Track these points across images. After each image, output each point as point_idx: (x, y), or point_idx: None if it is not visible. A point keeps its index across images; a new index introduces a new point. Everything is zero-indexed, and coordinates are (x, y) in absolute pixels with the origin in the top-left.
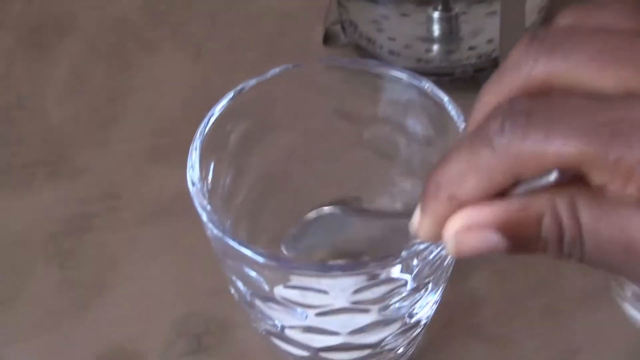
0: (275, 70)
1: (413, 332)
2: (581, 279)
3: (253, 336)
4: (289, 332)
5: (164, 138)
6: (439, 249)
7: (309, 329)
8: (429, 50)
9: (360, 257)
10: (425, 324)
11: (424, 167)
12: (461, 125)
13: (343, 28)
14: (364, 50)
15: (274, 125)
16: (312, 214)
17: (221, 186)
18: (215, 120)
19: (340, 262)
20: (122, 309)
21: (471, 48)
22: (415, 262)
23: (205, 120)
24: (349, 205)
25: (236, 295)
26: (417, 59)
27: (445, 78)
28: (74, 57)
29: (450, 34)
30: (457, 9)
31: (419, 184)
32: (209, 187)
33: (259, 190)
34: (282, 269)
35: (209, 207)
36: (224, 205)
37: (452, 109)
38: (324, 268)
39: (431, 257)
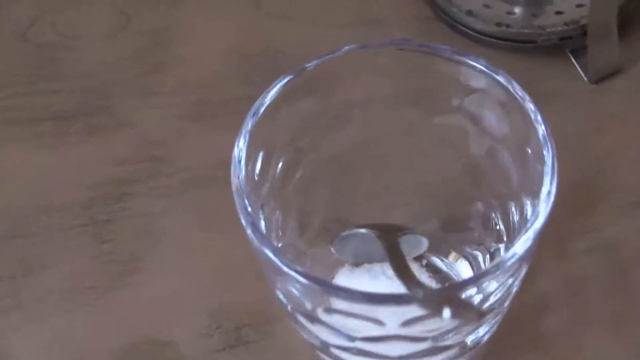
0: (339, 51)
1: (472, 352)
2: None
3: (296, 331)
4: (333, 350)
5: (212, 93)
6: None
7: (355, 351)
8: (510, 12)
9: None
10: (486, 341)
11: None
12: (540, 126)
13: None
14: (438, 9)
15: (335, 112)
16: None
17: (271, 176)
18: (269, 104)
19: (391, 292)
20: (156, 291)
21: (558, 12)
22: (476, 295)
23: (258, 103)
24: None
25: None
26: (497, 22)
27: (528, 45)
28: None
29: None
30: None
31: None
32: (257, 177)
33: (312, 183)
34: (327, 293)
35: (250, 209)
36: (272, 196)
37: (529, 107)
38: (370, 298)
39: (495, 295)
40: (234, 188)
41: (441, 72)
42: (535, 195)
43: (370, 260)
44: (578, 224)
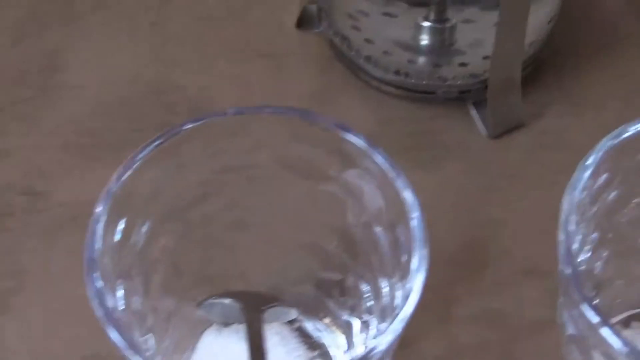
0: (217, 115)
1: None
2: None
3: None
4: None
5: (101, 125)
6: None
7: None
8: (412, 62)
9: None
10: None
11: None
12: (414, 214)
13: (319, 13)
14: (337, 50)
15: (209, 175)
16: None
17: (134, 239)
18: (137, 167)
19: None
20: (21, 338)
21: (463, 64)
22: None
23: (123, 169)
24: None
25: None
26: (396, 70)
27: (427, 95)
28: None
29: (442, 46)
30: (453, 20)
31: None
32: (119, 241)
33: (182, 245)
34: None
35: (98, 286)
36: (137, 258)
37: (407, 195)
38: None
39: None
40: (85, 258)
41: (323, 142)
42: (403, 280)
43: (240, 320)
44: (464, 288)
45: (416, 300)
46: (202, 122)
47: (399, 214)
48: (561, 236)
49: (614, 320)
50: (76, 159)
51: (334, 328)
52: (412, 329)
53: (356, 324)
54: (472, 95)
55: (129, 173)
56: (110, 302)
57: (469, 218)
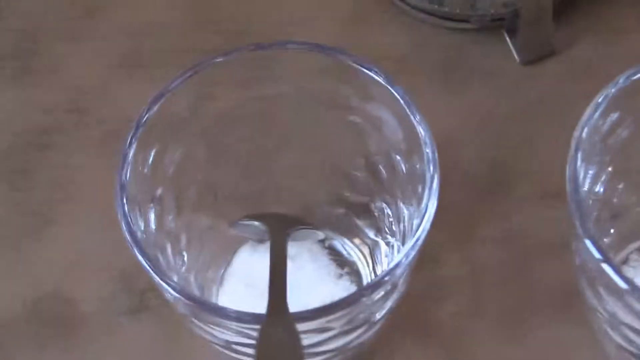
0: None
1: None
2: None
3: None
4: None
5: (144, 42)
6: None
7: None
8: None
9: None
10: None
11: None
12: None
13: None
14: None
15: (242, 106)
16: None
17: (168, 162)
18: (169, 97)
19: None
20: (68, 246)
21: None
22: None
23: (157, 96)
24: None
25: None
26: None
27: (461, 23)
28: None
29: None
30: None
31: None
32: (151, 166)
33: (217, 165)
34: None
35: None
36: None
37: (421, 130)
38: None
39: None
40: (116, 184)
41: (346, 77)
42: (420, 208)
43: None
44: (486, 208)
45: (427, 227)
46: (231, 55)
47: (415, 146)
48: (568, 172)
49: (633, 246)
50: (120, 76)
51: (362, 247)
52: (434, 247)
53: (382, 244)
54: (506, 23)
55: (161, 102)
56: (138, 225)
57: (494, 141)
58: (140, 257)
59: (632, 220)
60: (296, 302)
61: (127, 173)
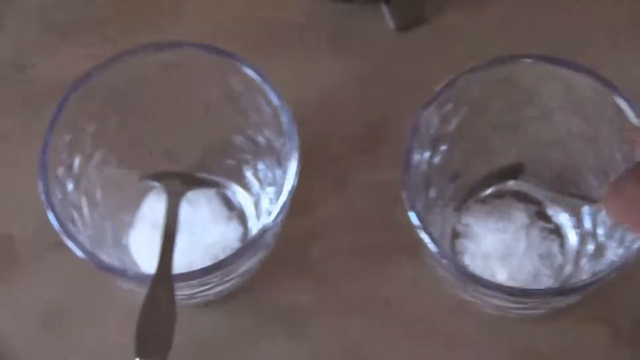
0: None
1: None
2: None
3: None
4: None
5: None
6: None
7: None
8: None
9: None
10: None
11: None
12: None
13: None
14: None
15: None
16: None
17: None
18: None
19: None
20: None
21: None
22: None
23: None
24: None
25: None
26: None
27: None
28: None
29: None
30: None
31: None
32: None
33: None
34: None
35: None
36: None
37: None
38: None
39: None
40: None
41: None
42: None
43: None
44: (360, 160)
45: (293, 181)
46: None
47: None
48: (404, 150)
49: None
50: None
51: (249, 195)
52: (313, 193)
53: (263, 196)
54: None
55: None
56: (55, 188)
57: (370, 102)
58: (53, 221)
59: (466, 179)
60: (195, 240)
61: (50, 143)
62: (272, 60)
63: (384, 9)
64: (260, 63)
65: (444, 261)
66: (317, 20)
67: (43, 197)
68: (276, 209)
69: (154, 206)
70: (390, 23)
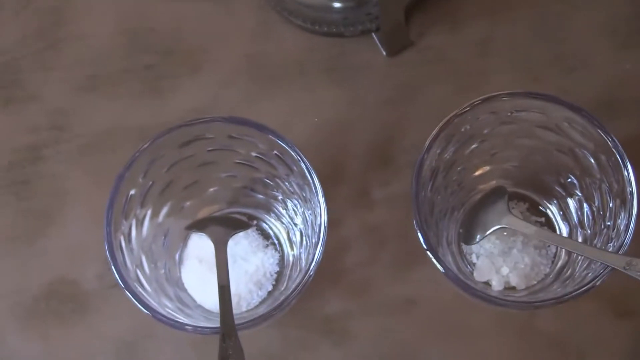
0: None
1: None
2: None
3: None
4: None
5: (100, 67)
6: None
7: None
8: (324, 19)
9: None
10: None
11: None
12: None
13: None
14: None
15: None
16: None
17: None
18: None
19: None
20: (65, 241)
21: (369, 14)
22: None
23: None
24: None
25: None
26: (312, 21)
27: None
28: None
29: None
30: None
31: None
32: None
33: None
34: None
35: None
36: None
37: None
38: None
39: None
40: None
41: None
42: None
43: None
44: (373, 178)
45: (325, 223)
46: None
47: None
48: (412, 189)
49: None
50: (86, 97)
51: (280, 226)
52: (337, 213)
53: (293, 227)
54: (375, 27)
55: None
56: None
57: (371, 123)
58: (120, 281)
59: (465, 190)
60: (238, 270)
61: (112, 218)
62: (276, 96)
63: (375, 38)
64: (269, 99)
65: (450, 280)
66: (315, 55)
67: (108, 257)
68: (318, 249)
69: (197, 242)
70: (382, 50)
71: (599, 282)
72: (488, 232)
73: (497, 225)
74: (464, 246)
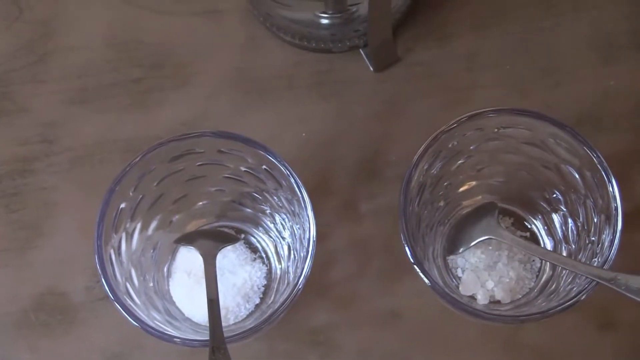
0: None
1: None
2: None
3: None
4: None
5: (89, 80)
6: None
7: None
8: (312, 34)
9: None
10: None
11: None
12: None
13: None
14: (263, 18)
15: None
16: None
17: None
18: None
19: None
20: (54, 253)
21: (357, 30)
22: None
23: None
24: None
25: None
26: (300, 37)
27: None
28: None
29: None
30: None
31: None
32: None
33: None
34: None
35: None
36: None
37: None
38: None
39: None
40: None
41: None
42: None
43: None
44: (359, 192)
45: (314, 236)
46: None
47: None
48: (400, 208)
49: None
50: (75, 110)
51: (268, 239)
52: (325, 227)
53: (281, 241)
54: (362, 43)
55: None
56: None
57: (359, 137)
58: (110, 294)
59: (451, 204)
60: (226, 284)
61: (102, 232)
62: (265, 110)
63: (362, 53)
64: (258, 113)
65: (437, 293)
66: (304, 70)
67: (99, 270)
68: (307, 263)
69: (186, 256)
70: (369, 65)
71: (584, 297)
72: (474, 243)
73: (485, 235)
74: (449, 260)
